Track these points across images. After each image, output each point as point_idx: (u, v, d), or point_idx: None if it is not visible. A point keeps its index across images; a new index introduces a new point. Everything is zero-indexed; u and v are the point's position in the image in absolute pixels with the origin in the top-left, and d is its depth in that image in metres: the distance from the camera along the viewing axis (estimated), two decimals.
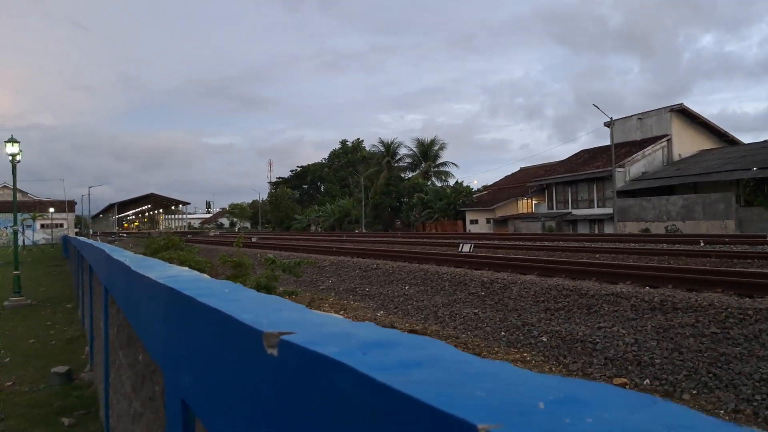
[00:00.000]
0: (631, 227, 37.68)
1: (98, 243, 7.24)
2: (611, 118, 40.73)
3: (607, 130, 42.35)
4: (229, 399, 0.99)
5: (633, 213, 38.43)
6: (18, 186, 18.43)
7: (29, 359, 8.82)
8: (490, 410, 0.43)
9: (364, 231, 59.77)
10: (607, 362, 7.75)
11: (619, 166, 40.29)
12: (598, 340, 8.37)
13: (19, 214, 18.88)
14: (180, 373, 1.37)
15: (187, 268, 2.00)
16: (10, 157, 16.57)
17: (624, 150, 42.92)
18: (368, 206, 68.05)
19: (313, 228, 74.70)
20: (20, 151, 16.74)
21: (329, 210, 72.47)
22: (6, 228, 62.97)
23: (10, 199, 22.07)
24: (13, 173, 17.00)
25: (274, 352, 0.78)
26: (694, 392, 6.64)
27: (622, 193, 39.80)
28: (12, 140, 16.51)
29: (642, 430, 0.39)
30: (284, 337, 0.76)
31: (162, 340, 1.58)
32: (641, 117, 45.54)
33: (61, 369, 7.53)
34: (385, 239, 36.52)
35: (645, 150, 42.20)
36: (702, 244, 20.49)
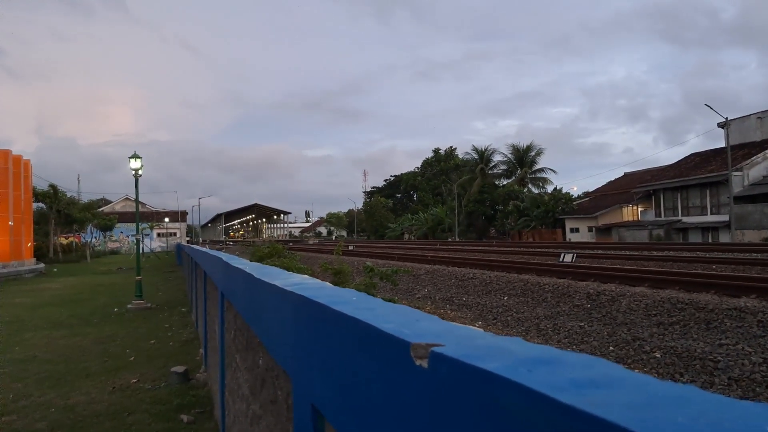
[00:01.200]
0: (751, 236, 34.52)
1: (214, 251, 7.70)
2: (726, 118, 37.70)
3: (721, 131, 39.25)
4: (367, 407, 1.00)
5: (753, 220, 35.20)
6: (139, 198, 20.06)
7: (151, 359, 9.53)
8: None
9: (457, 239, 59.24)
10: (731, 382, 7.12)
11: (736, 170, 37.13)
12: (720, 358, 7.72)
13: (139, 224, 20.52)
14: (310, 379, 1.41)
15: (308, 276, 2.07)
16: (133, 172, 18.09)
17: (742, 152, 39.51)
18: (461, 214, 67.42)
19: (406, 236, 75.13)
20: (142, 165, 18.23)
21: (422, 218, 72.60)
22: (129, 237, 68.81)
23: (132, 210, 24.04)
24: (135, 186, 18.53)
25: (424, 363, 0.78)
26: None
27: (740, 199, 36.58)
28: (135, 156, 18.03)
29: None
30: (435, 349, 0.76)
31: (290, 346, 1.64)
32: (761, 116, 41.73)
33: (180, 369, 8.06)
34: (480, 248, 35.97)
35: (767, 151, 38.61)
36: None
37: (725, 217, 37.16)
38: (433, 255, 26.47)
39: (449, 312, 13.68)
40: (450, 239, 60.37)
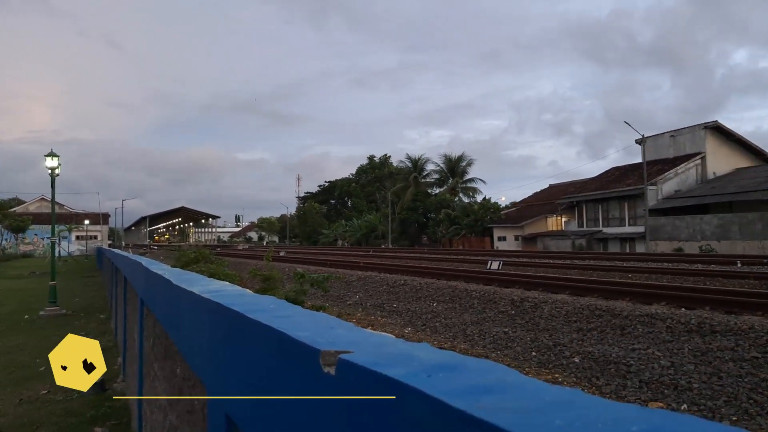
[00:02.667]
0: (664, 246, 36.85)
1: (135, 255, 7.39)
2: (643, 135, 40.10)
3: (638, 147, 41.71)
4: (281, 417, 0.99)
5: (665, 232, 37.60)
6: (55, 199, 18.96)
7: None
8: None
9: (390, 246, 59.72)
10: (642, 385, 7.55)
11: (651, 184, 39.56)
12: (632, 362, 8.17)
13: (56, 226, 19.39)
14: (225, 388, 1.38)
15: (228, 283, 2.02)
16: (50, 171, 17.08)
17: (656, 167, 42.17)
18: (395, 222, 68.05)
19: (339, 243, 74.98)
20: (59, 165, 17.25)
21: (356, 225, 72.74)
22: (44, 239, 64.83)
23: (48, 211, 22.70)
24: (52, 186, 17.51)
25: (332, 371, 0.78)
26: (735, 419, 6.41)
27: (654, 212, 39.00)
28: (52, 154, 17.03)
29: None
30: (342, 356, 0.76)
31: (205, 355, 1.60)
32: (674, 134, 44.76)
33: None
34: (412, 255, 36.42)
35: (678, 168, 41.40)
36: (739, 265, 19.90)
37: (641, 229, 39.47)
38: (365, 262, 26.54)
39: (380, 318, 13.74)
40: (383, 246, 60.76)
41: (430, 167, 76.91)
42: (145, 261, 4.45)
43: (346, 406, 0.74)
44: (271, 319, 1.08)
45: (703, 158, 41.98)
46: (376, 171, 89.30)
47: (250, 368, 1.18)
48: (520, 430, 0.44)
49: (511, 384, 0.60)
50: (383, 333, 1.01)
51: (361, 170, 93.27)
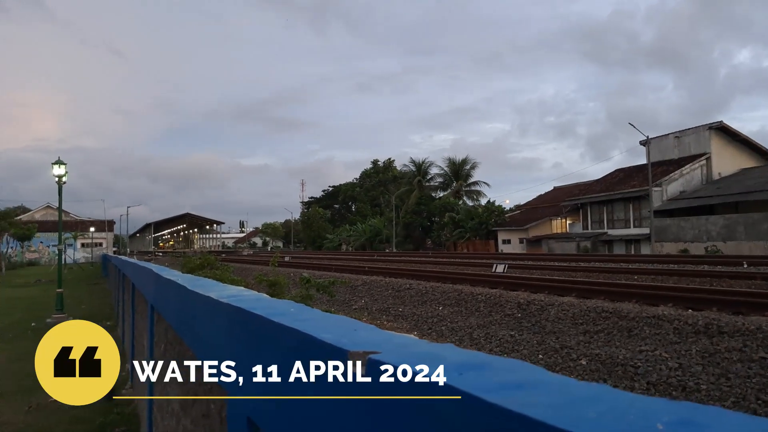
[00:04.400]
0: (669, 248, 36.75)
1: (143, 262, 7.43)
2: (647, 137, 40.07)
3: (643, 148, 41.67)
4: (306, 417, 1.01)
5: (671, 233, 37.51)
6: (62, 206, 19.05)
7: None
8: (611, 431, 0.45)
9: (394, 250, 59.73)
10: (649, 387, 7.53)
11: (656, 185, 39.49)
12: (639, 363, 8.15)
13: (62, 234, 19.47)
14: (246, 391, 1.40)
15: (243, 288, 2.05)
16: (57, 179, 17.19)
17: (661, 169, 42.09)
18: (399, 226, 68.07)
19: (344, 247, 75.01)
20: (66, 172, 17.35)
21: (360, 229, 72.75)
22: (49, 247, 65.06)
23: (55, 218, 22.80)
24: (59, 194, 17.61)
25: (362, 371, 0.80)
26: None
27: (660, 213, 38.92)
28: (59, 162, 17.15)
29: None
30: (372, 356, 0.79)
31: (224, 358, 1.62)
32: (678, 135, 44.68)
33: None
34: (417, 259, 36.41)
35: (683, 169, 41.31)
36: (745, 266, 19.83)
37: (647, 230, 39.38)
38: (370, 266, 26.55)
39: (385, 322, 13.75)
40: (387, 250, 60.76)
41: (433, 171, 76.98)
42: (155, 267, 4.48)
43: (377, 406, 0.76)
44: (293, 322, 1.11)
45: (708, 159, 41.88)
46: (380, 175, 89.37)
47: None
48: (557, 422, 0.46)
49: (540, 381, 0.62)
50: (406, 334, 1.03)
51: (365, 175, 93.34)
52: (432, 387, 0.63)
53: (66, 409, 7.26)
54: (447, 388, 0.60)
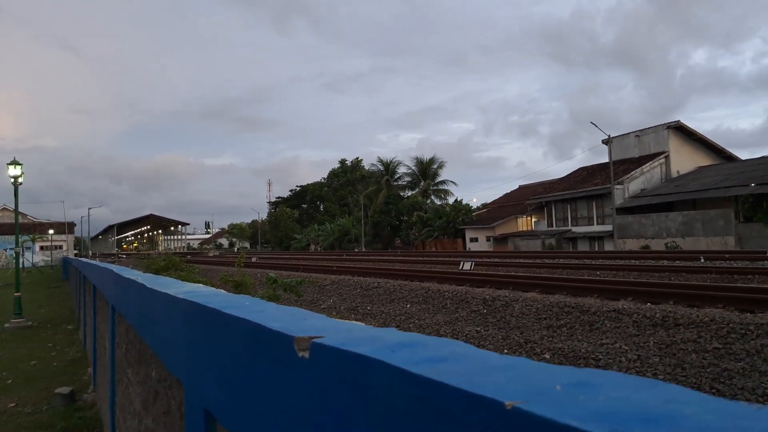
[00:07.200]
0: (631, 244, 37.75)
1: (104, 263, 7.30)
2: (609, 136, 41.04)
3: (604, 147, 42.65)
4: (257, 404, 1.05)
5: (632, 230, 38.53)
6: (18, 208, 18.50)
7: (31, 381, 8.82)
8: (513, 392, 0.50)
9: (363, 250, 59.76)
10: None
11: (618, 183, 40.50)
12: (600, 356, 8.39)
13: (19, 236, 18.91)
14: (203, 384, 1.42)
15: (202, 284, 2.06)
16: (12, 180, 16.68)
17: (622, 167, 43.19)
18: (367, 225, 68.12)
19: (312, 247, 74.68)
20: (22, 173, 16.85)
21: (328, 229, 72.54)
22: (6, 250, 62.94)
23: (10, 221, 22.09)
24: (15, 195, 17.10)
25: (306, 354, 0.84)
26: None
27: (621, 210, 39.94)
28: (14, 162, 16.65)
29: (643, 404, 0.46)
30: (316, 341, 0.83)
31: (183, 354, 1.64)
32: (638, 134, 45.92)
33: (64, 390, 7.53)
34: (385, 258, 36.52)
35: (643, 167, 42.48)
36: (702, 261, 20.53)
37: (609, 227, 40.35)
38: (338, 266, 26.53)
39: (354, 321, 13.78)
40: (356, 249, 60.75)
41: (401, 170, 77.30)
42: (116, 268, 4.43)
43: (322, 385, 0.80)
44: (246, 314, 1.14)
45: (667, 157, 43.17)
46: (348, 175, 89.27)
47: (227, 362, 1.23)
48: (467, 387, 0.51)
49: (464, 355, 0.67)
50: (353, 321, 1.08)
51: (333, 174, 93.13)
52: (368, 363, 0.68)
53: (26, 413, 7.09)
54: (377, 363, 0.65)
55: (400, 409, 0.61)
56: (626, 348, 8.47)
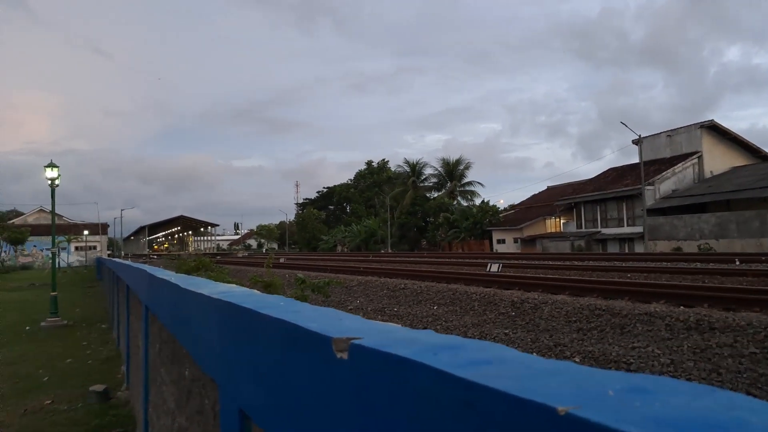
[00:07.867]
0: (662, 246, 36.94)
1: (137, 264, 7.45)
2: (639, 136, 40.25)
3: (634, 147, 41.88)
4: (295, 404, 1.05)
5: (664, 231, 37.70)
6: (55, 209, 19.00)
7: (67, 378, 9.03)
8: (564, 397, 0.49)
9: (389, 251, 59.76)
10: None
11: (649, 184, 39.69)
12: (632, 360, 8.22)
13: (55, 237, 19.41)
14: (238, 384, 1.43)
15: (235, 285, 2.08)
16: (49, 182, 17.14)
17: (653, 167, 42.31)
18: (394, 226, 68.10)
19: (339, 248, 74.98)
20: (59, 175, 17.30)
21: (355, 230, 72.74)
22: (43, 250, 64.74)
23: (48, 222, 22.71)
24: (52, 197, 17.56)
25: (344, 356, 0.84)
26: None
27: (652, 212, 39.12)
28: (52, 165, 17.10)
29: (704, 411, 0.44)
30: (354, 342, 0.82)
31: (217, 353, 1.65)
32: (670, 134, 44.93)
33: (99, 388, 7.70)
34: (412, 259, 36.46)
35: (675, 167, 41.54)
36: (737, 263, 19.98)
37: (640, 229, 39.56)
38: (365, 267, 26.59)
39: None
40: (383, 251, 60.79)
41: (428, 171, 77.07)
42: (149, 268, 4.51)
43: (360, 387, 0.80)
44: (282, 314, 1.14)
45: (700, 157, 42.14)
46: (375, 176, 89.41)
47: (262, 362, 1.24)
48: (515, 391, 0.50)
49: (508, 358, 0.66)
50: (389, 323, 1.07)
51: (360, 175, 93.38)
52: (409, 365, 0.67)
53: (62, 411, 7.26)
54: (422, 366, 0.64)
55: (444, 412, 0.60)
56: (659, 352, 8.28)
